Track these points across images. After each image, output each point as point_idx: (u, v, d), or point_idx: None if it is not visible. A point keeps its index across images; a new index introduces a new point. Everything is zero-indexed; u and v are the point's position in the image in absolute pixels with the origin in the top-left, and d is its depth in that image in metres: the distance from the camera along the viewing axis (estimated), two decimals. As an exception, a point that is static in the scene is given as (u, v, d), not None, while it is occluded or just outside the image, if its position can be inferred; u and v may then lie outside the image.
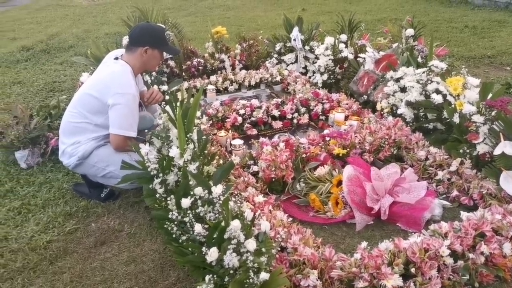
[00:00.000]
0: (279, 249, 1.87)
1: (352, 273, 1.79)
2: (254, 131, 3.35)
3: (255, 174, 2.64)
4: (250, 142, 3.01)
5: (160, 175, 2.04)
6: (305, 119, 3.48)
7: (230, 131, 3.24)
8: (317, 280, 1.76)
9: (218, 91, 4.17)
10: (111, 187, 2.62)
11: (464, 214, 2.08)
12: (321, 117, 3.52)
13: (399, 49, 3.92)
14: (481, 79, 4.38)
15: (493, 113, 2.51)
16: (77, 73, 4.82)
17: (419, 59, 3.87)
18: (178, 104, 2.37)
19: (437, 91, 2.88)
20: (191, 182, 1.97)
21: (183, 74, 4.22)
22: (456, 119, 2.62)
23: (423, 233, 2.07)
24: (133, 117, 2.41)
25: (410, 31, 4.16)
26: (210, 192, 1.93)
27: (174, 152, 2.08)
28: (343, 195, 2.33)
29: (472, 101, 2.69)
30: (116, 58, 2.53)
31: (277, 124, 3.43)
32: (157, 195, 2.02)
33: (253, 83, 4.26)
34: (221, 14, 8.50)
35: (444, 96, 2.82)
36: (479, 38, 5.70)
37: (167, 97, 3.00)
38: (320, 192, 2.45)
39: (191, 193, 1.90)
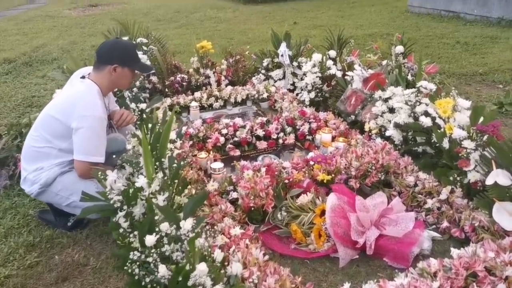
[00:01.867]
0: (252, 293, 1.71)
1: (332, 319, 1.63)
2: (237, 152, 3.19)
3: (234, 201, 2.48)
4: (232, 164, 2.86)
5: (125, 207, 1.88)
6: (291, 139, 3.33)
7: (211, 152, 3.09)
8: (293, 328, 1.60)
9: (203, 108, 4.02)
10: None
11: (454, 252, 1.93)
12: (307, 137, 3.37)
13: (389, 66, 3.80)
14: (473, 97, 4.28)
15: (484, 138, 2.38)
16: (58, 88, 4.66)
17: (409, 77, 3.76)
18: (149, 126, 2.23)
19: (426, 114, 2.74)
20: (157, 217, 1.81)
21: (166, 90, 4.07)
22: (445, 144, 2.48)
23: (411, 271, 1.91)
24: (100, 141, 2.24)
25: (399, 48, 4.06)
26: (178, 228, 1.77)
27: (141, 181, 1.92)
28: (326, 226, 2.17)
29: (463, 124, 2.56)
30: (83, 77, 2.37)
31: (262, 145, 3.27)
32: (121, 230, 1.85)
33: (239, 99, 4.11)
34: (212, 26, 8.39)
35: (433, 119, 2.68)
36: (470, 55, 5.60)
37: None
38: (302, 223, 2.29)
39: (157, 229, 1.75)
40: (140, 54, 3.93)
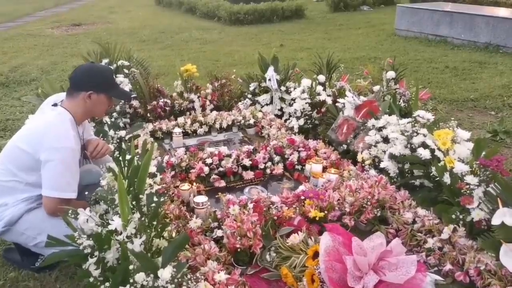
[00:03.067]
0: None
1: None
2: (222, 183, 3.00)
3: (219, 239, 2.28)
4: (217, 196, 2.67)
5: (96, 253, 1.67)
6: (279, 169, 3.15)
7: (194, 183, 2.89)
8: None
9: (186, 134, 3.83)
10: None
11: (463, 302, 1.75)
12: (297, 166, 3.19)
13: (381, 92, 3.68)
14: (466, 124, 4.18)
15: (487, 172, 2.23)
16: (32, 112, 4.43)
17: (402, 103, 3.64)
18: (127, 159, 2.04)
19: (424, 145, 2.59)
20: (132, 266, 1.60)
21: (148, 115, 3.87)
22: (447, 179, 2.32)
23: (415, 324, 1.73)
24: (71, 175, 2.03)
25: (391, 74, 3.95)
26: (156, 277, 1.57)
27: (115, 224, 1.71)
28: (319, 270, 1.98)
29: (463, 157, 2.41)
30: (55, 105, 2.18)
31: (248, 175, 3.08)
32: (91, 279, 1.64)
33: (224, 125, 3.93)
34: (197, 48, 8.25)
35: (432, 151, 2.54)
36: (460, 80, 5.54)
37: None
38: (294, 266, 2.09)
39: (131, 280, 1.54)
40: (121, 78, 3.76)
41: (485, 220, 2.13)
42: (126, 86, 3.75)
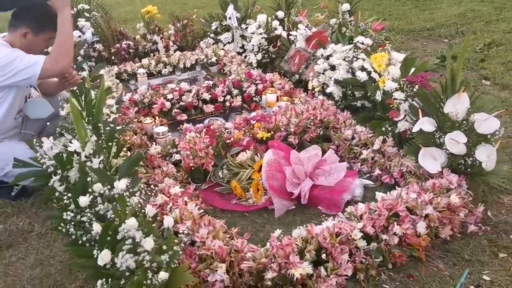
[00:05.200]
0: (184, 244, 1.78)
1: (262, 263, 1.72)
2: (184, 117, 3.21)
3: (178, 163, 2.53)
4: (179, 128, 2.89)
5: (59, 171, 1.90)
6: (237, 101, 3.37)
7: (158, 117, 3.10)
8: (224, 274, 1.69)
9: (152, 75, 4.00)
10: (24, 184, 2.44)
11: (379, 195, 2.05)
12: (254, 98, 3.41)
13: (336, 25, 3.85)
14: (419, 52, 4.40)
15: (414, 89, 2.48)
16: None
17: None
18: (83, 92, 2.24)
19: (363, 68, 2.82)
20: (89, 178, 1.84)
21: (113, 58, 4.01)
22: (378, 96, 2.57)
23: (339, 216, 2.02)
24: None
25: (346, 6, 4.09)
26: (112, 188, 1.82)
27: (74, 145, 1.94)
28: (262, 181, 2.26)
29: (396, 77, 2.65)
30: None
31: (209, 108, 3.30)
32: (57, 194, 1.88)
33: (188, 65, 4.10)
34: (165, -9, 8.16)
35: (369, 73, 2.77)
36: (420, 11, 5.70)
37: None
38: (242, 179, 2.37)
39: (90, 190, 1.78)
40: (82, 22, 3.86)
41: (409, 130, 2.40)
42: (89, 30, 3.87)
